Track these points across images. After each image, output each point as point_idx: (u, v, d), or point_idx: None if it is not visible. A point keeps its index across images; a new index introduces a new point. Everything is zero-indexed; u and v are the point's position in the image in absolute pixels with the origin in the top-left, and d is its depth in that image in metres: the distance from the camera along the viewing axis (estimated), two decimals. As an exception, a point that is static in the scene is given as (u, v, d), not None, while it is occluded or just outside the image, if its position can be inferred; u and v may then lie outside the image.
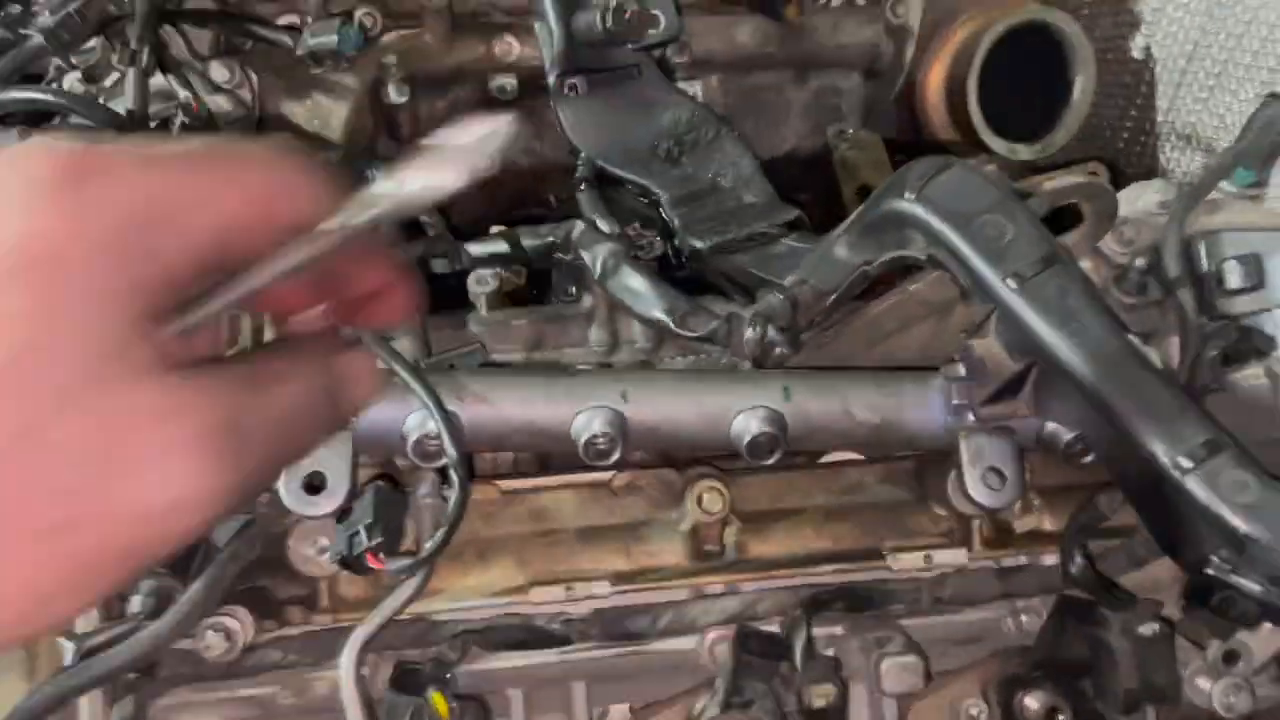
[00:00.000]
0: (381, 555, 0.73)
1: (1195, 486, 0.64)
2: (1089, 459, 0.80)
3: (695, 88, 1.18)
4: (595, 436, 0.74)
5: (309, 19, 1.09)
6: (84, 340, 0.36)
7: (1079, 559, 0.78)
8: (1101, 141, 1.37)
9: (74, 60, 1.01)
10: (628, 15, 0.99)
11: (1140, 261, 0.80)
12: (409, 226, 0.94)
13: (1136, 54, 1.38)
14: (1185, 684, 0.83)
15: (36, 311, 0.35)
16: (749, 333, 0.82)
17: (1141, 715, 0.84)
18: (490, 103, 1.14)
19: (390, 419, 0.73)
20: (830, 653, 0.84)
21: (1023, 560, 0.88)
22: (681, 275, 1.00)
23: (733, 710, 0.81)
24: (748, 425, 0.75)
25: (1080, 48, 1.29)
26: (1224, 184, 0.93)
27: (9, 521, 0.35)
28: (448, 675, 0.79)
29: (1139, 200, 0.93)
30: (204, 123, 1.01)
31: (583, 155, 0.98)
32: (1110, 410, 0.66)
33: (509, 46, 1.17)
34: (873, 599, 0.84)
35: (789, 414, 0.77)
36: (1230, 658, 0.82)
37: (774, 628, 0.83)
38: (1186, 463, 0.64)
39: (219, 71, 1.08)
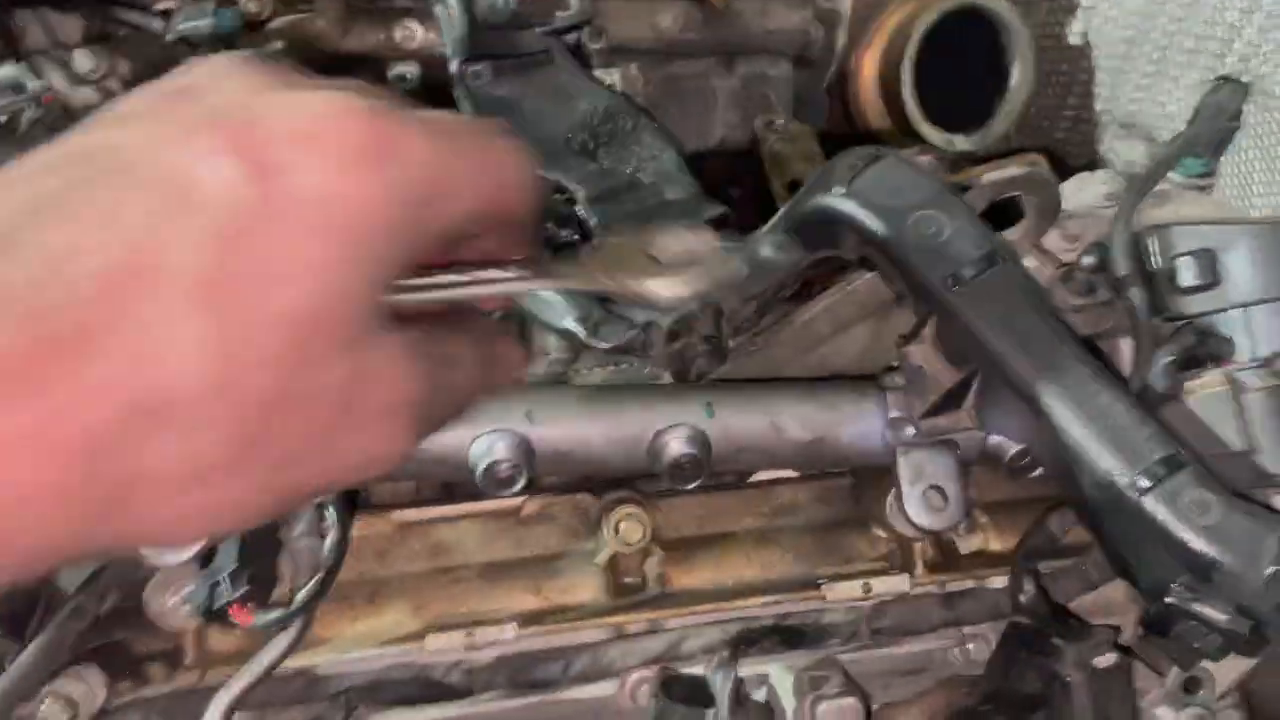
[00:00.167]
0: (250, 606, 0.64)
1: (1153, 508, 0.58)
2: (1035, 473, 0.73)
3: (613, 76, 1.10)
4: (496, 463, 0.66)
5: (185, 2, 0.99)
6: (364, 300, 0.40)
7: (1029, 587, 0.71)
8: (1040, 132, 1.32)
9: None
10: (535, -5, 0.91)
11: (1088, 259, 0.74)
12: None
13: (1075, 40, 1.32)
14: (1144, 715, 0.77)
15: (339, 268, 0.39)
16: (669, 343, 0.74)
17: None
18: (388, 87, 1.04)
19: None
20: (762, 694, 0.76)
21: (969, 584, 0.81)
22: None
23: (655, 764, 0.73)
24: (668, 446, 0.68)
25: (1017, 33, 1.23)
26: (1172, 174, 0.87)
27: (261, 448, 0.39)
28: (331, 738, 0.70)
29: (1083, 192, 0.87)
30: (58, 117, 0.91)
31: None
32: (1059, 425, 0.60)
33: (410, 31, 1.08)
34: (806, 634, 0.76)
35: (713, 433, 0.69)
36: (1191, 685, 0.76)
37: (700, 669, 0.75)
38: (1144, 482, 0.58)
39: (83, 61, 0.97)
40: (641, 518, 0.77)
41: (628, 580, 0.78)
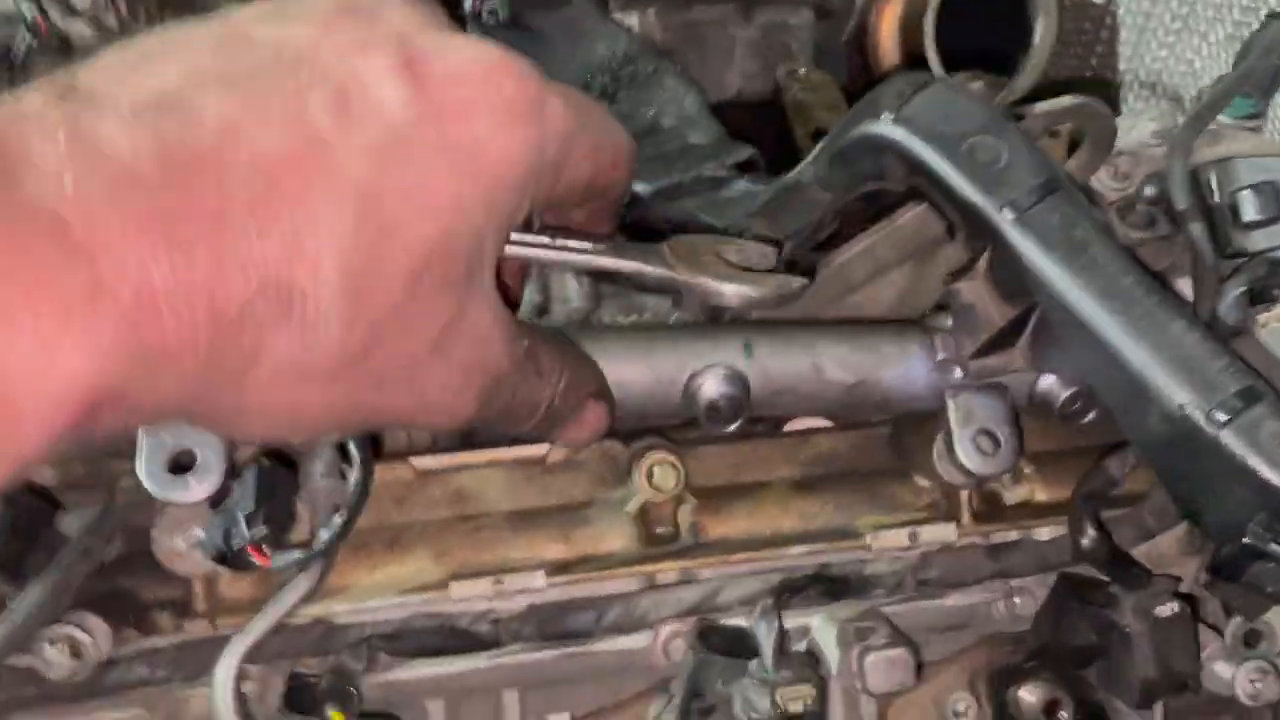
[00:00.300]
0: (266, 549, 0.60)
1: (1232, 442, 0.54)
2: (1089, 418, 0.70)
3: (631, 20, 1.06)
4: None
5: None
6: (486, 246, 0.44)
7: (1091, 530, 0.68)
8: (1062, 93, 1.29)
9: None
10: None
11: (1150, 189, 0.70)
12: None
13: (1097, -1, 1.30)
14: (1202, 672, 0.74)
15: (472, 210, 0.42)
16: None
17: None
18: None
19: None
20: (803, 647, 0.72)
21: (1014, 536, 0.77)
22: (621, 224, 0.88)
23: (694, 717, 0.69)
24: (704, 387, 0.64)
25: (1042, -12, 1.20)
26: (1220, 116, 0.84)
27: (363, 362, 0.41)
28: (351, 688, 0.66)
29: (1133, 131, 0.83)
30: (55, 49, 0.86)
31: None
32: (1128, 358, 0.57)
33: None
34: (850, 583, 0.73)
35: (751, 374, 0.66)
36: (1252, 638, 0.73)
37: (738, 620, 0.72)
38: (1221, 415, 0.54)
39: (80, -7, 0.93)
40: (675, 464, 0.73)
41: (660, 530, 0.74)
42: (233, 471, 0.62)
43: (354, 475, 0.61)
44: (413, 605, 0.69)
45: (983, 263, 0.66)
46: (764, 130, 1.10)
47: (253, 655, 0.63)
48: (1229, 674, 0.73)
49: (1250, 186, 0.71)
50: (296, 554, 0.60)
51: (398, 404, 0.45)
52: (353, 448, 0.63)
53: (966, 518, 0.76)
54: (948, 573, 0.74)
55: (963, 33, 1.21)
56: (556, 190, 0.47)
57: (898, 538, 0.74)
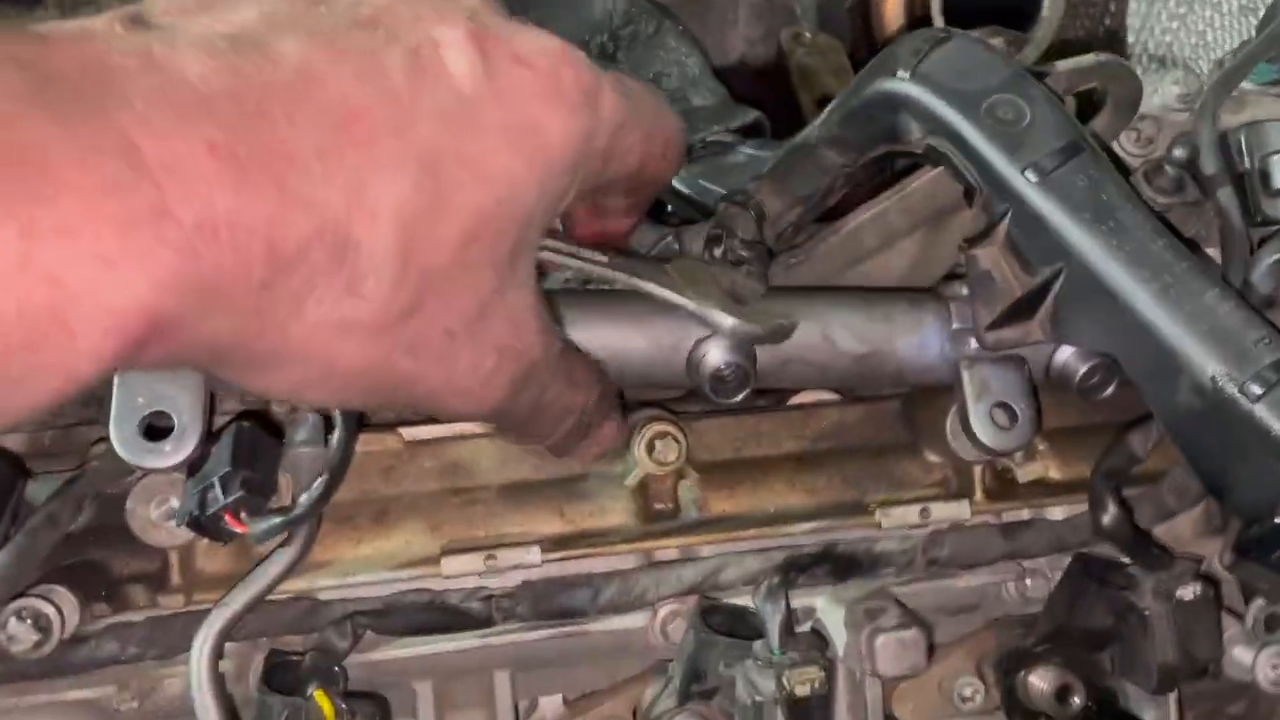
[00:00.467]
0: (244, 514, 0.56)
1: (1267, 416, 0.52)
2: (1107, 392, 0.67)
3: (632, -19, 1.02)
4: None
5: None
6: (533, 223, 0.45)
7: (1112, 508, 0.65)
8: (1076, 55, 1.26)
9: None
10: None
11: (1179, 152, 0.67)
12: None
13: (1106, -30, 1.27)
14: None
15: (525, 186, 0.43)
16: (707, 248, 0.67)
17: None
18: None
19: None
20: (807, 628, 0.69)
21: (1026, 514, 0.75)
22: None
23: (694, 701, 0.66)
24: (709, 356, 0.60)
25: (1051, -43, 1.16)
26: (1244, 82, 0.80)
27: (404, 324, 0.42)
28: (336, 668, 0.63)
29: (1155, 95, 0.80)
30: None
31: None
32: (1158, 327, 0.54)
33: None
34: (859, 562, 0.70)
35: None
36: (1272, 623, 0.70)
37: (741, 600, 0.69)
38: (1255, 388, 0.52)
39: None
40: (676, 437, 0.70)
41: (660, 505, 0.71)
42: (210, 436, 0.58)
43: (337, 435, 0.58)
44: (401, 581, 0.66)
45: (1002, 228, 0.62)
46: (767, 96, 1.07)
47: (231, 632, 0.60)
48: (1249, 659, 0.70)
49: (1276, 156, 0.68)
50: (276, 520, 0.57)
51: (428, 376, 0.44)
52: (336, 410, 0.60)
53: (979, 495, 0.74)
54: (959, 552, 0.71)
55: (969, 3, 1.18)
56: (603, 177, 0.49)
57: (908, 515, 0.71)
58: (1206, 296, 0.54)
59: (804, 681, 0.62)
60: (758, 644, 0.64)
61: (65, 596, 0.62)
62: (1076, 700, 0.72)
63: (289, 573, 0.60)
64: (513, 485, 0.70)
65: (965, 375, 0.64)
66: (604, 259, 0.55)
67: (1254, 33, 0.89)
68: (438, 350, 0.44)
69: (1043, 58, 1.15)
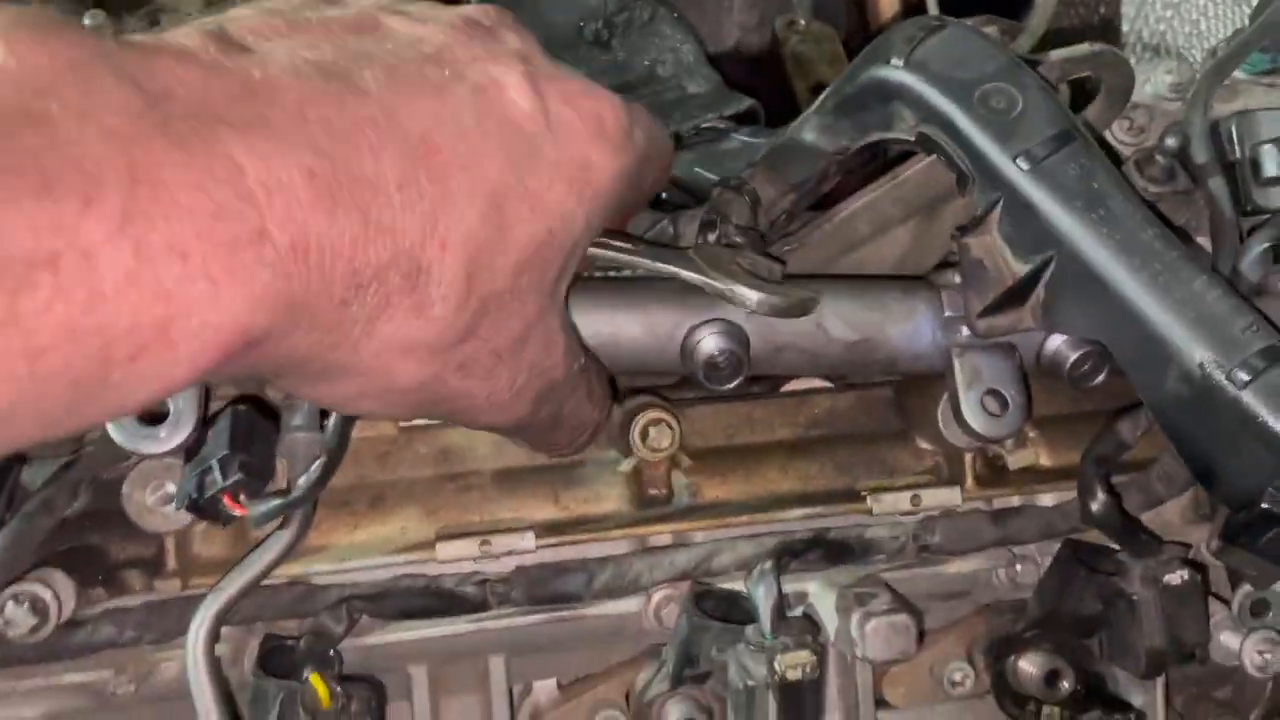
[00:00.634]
0: (242, 497, 0.57)
1: (1253, 402, 0.52)
2: (1097, 381, 0.67)
3: (624, -32, 1.02)
4: None
5: None
6: (576, 251, 0.48)
7: (1101, 494, 0.65)
8: (1069, 45, 1.26)
9: None
10: None
11: (1170, 141, 0.68)
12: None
13: (1099, -42, 1.27)
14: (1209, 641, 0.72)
15: (574, 218, 0.46)
16: (702, 233, 0.67)
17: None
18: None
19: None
20: (798, 613, 0.70)
21: (1016, 501, 0.75)
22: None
23: (686, 685, 0.67)
24: (702, 343, 0.60)
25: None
26: (1235, 72, 0.81)
27: (461, 346, 0.44)
28: (331, 651, 0.63)
29: (1147, 84, 0.80)
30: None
31: None
32: (1147, 314, 0.55)
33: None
34: (850, 548, 0.70)
35: (752, 330, 0.62)
36: (1259, 608, 0.71)
37: (734, 585, 0.69)
38: (1243, 375, 0.52)
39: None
40: (670, 424, 0.70)
41: (653, 491, 0.72)
42: (206, 421, 0.59)
43: (333, 420, 0.58)
44: (396, 566, 0.67)
45: (994, 216, 0.62)
46: (762, 83, 1.07)
47: (227, 616, 0.60)
48: (1236, 644, 0.71)
49: (1272, 141, 0.69)
50: (274, 502, 0.57)
51: (471, 393, 0.47)
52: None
53: (970, 482, 0.74)
54: (950, 538, 0.72)
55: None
56: (626, 205, 0.53)
57: (899, 501, 0.71)
58: (1195, 284, 0.54)
59: (795, 665, 0.62)
60: (749, 628, 0.64)
61: (62, 581, 0.62)
62: (1065, 685, 0.72)
63: (284, 557, 0.61)
64: (507, 471, 0.70)
65: (956, 363, 0.64)
66: (629, 245, 0.56)
67: (1247, 21, 0.89)
68: (484, 369, 0.46)
69: (1037, 46, 1.15)
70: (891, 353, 0.65)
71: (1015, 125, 0.58)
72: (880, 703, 0.77)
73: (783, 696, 0.62)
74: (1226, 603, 0.73)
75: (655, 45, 0.94)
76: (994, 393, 0.64)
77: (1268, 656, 0.70)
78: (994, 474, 0.76)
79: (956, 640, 0.78)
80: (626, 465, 0.71)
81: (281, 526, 0.61)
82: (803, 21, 1.07)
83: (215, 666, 0.59)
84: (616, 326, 0.60)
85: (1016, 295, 0.63)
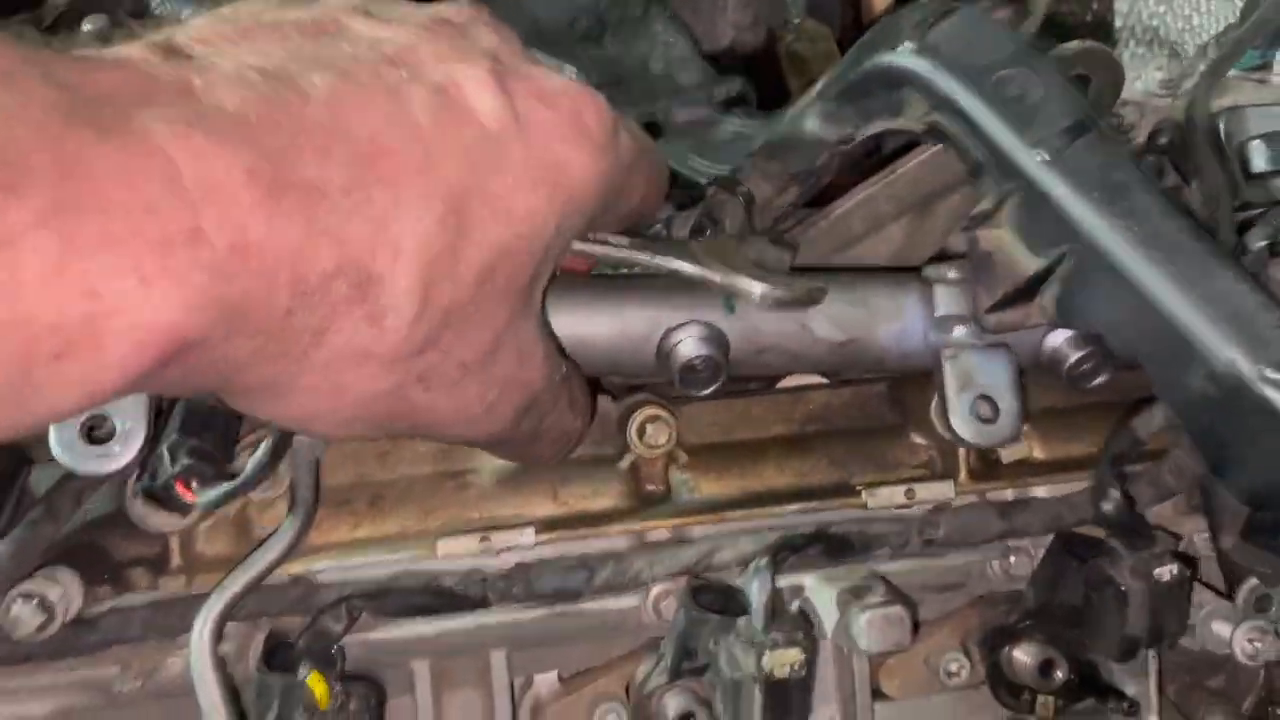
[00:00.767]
0: (194, 484, 0.57)
1: None
2: (1097, 381, 0.66)
3: (620, -34, 1.03)
4: None
5: None
6: (549, 258, 0.46)
7: (1114, 494, 0.66)
8: (1061, 38, 1.27)
9: None
10: None
11: (1164, 137, 0.68)
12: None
13: (1093, -47, 1.27)
14: (1199, 626, 0.73)
15: (546, 221, 0.44)
16: (694, 236, 0.67)
17: (1142, 657, 0.74)
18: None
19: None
20: (795, 608, 0.71)
21: (1010, 495, 0.76)
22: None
23: (685, 677, 0.67)
24: (680, 346, 0.59)
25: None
26: (1224, 67, 0.81)
27: (418, 357, 0.42)
28: (333, 649, 0.64)
29: (1137, 81, 0.81)
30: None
31: None
32: (1172, 309, 0.53)
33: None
34: (851, 544, 0.71)
35: (733, 332, 0.61)
36: (1263, 604, 0.71)
37: (732, 579, 0.70)
38: (1273, 374, 0.51)
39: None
40: (667, 420, 0.71)
41: (651, 487, 0.73)
42: (156, 435, 0.57)
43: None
44: (397, 564, 0.67)
45: (1008, 208, 0.60)
46: (757, 83, 1.08)
47: (230, 613, 0.61)
48: (1227, 633, 0.71)
49: (1261, 137, 0.69)
50: (222, 487, 0.57)
51: (437, 408, 0.45)
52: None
53: (964, 475, 0.75)
54: (955, 531, 0.72)
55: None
56: (610, 213, 0.50)
57: (894, 495, 0.72)
58: (1222, 279, 0.53)
59: (783, 664, 0.63)
60: (742, 620, 0.65)
61: (69, 579, 0.63)
62: (1059, 674, 0.73)
63: (286, 556, 0.62)
64: (506, 468, 0.71)
65: (947, 366, 0.62)
66: (626, 242, 0.54)
67: (1237, 16, 0.90)
68: (450, 381, 0.44)
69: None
70: (880, 353, 0.64)
71: (1033, 114, 0.56)
72: (877, 693, 0.78)
73: (768, 692, 0.63)
74: (1219, 592, 0.74)
75: (647, 41, 0.94)
76: (985, 398, 0.62)
77: (1258, 645, 0.70)
78: (987, 467, 0.76)
79: (952, 631, 0.79)
80: (624, 462, 0.72)
81: (282, 527, 0.62)
82: (797, 20, 1.08)
83: (219, 663, 0.60)
84: (589, 328, 0.58)
85: (1027, 290, 0.61)
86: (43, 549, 0.62)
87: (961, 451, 0.75)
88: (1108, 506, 0.66)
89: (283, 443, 0.62)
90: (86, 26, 0.71)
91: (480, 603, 0.67)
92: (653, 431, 0.71)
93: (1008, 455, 0.77)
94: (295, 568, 0.66)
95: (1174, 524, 0.76)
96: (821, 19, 1.16)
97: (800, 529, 0.71)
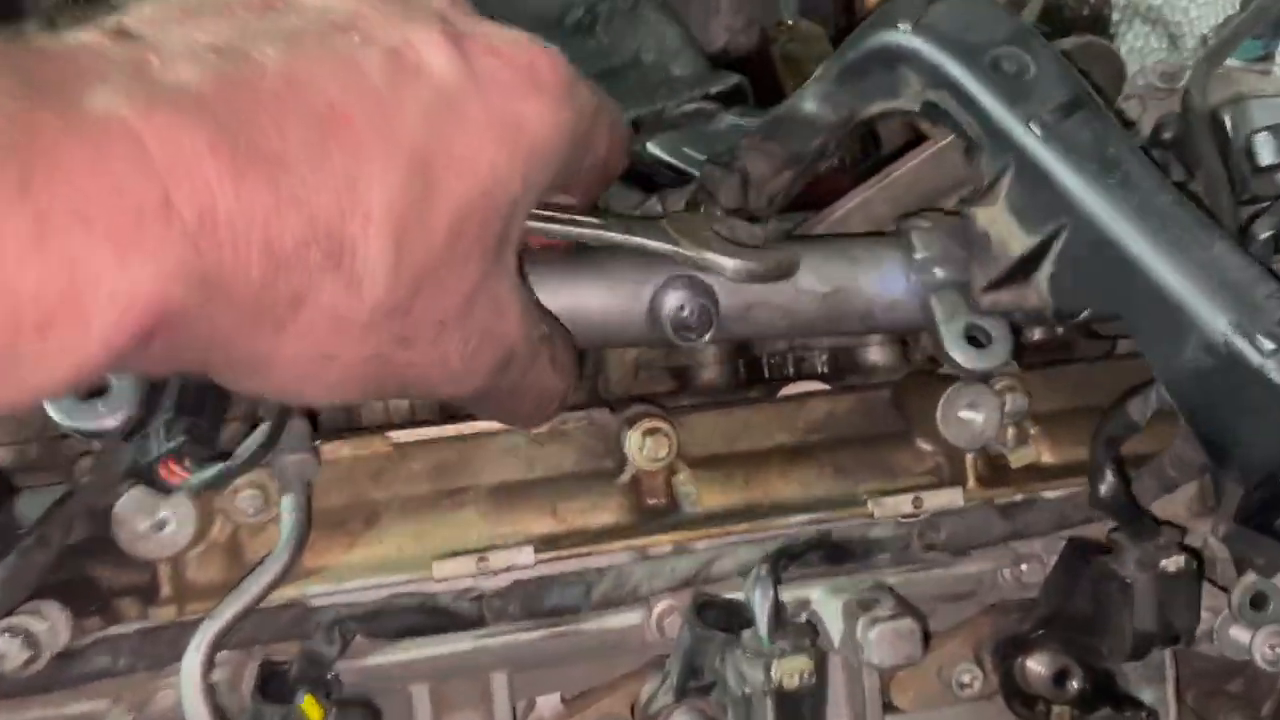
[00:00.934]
0: (187, 463, 0.55)
1: (1278, 371, 0.50)
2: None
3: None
4: None
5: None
6: (517, 212, 0.46)
7: (1110, 477, 0.64)
8: (1059, 28, 1.25)
9: None
10: None
11: (1169, 132, 0.67)
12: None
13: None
14: (1216, 633, 0.71)
15: (510, 175, 0.44)
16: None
17: (1159, 663, 0.72)
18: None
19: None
20: (803, 619, 0.69)
21: (1019, 500, 0.74)
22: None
23: (691, 696, 0.66)
24: (668, 301, 0.58)
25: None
26: (1229, 59, 0.80)
27: (396, 319, 0.43)
28: (330, 675, 0.62)
29: (1138, 76, 0.80)
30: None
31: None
32: (1167, 281, 0.53)
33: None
34: (853, 550, 0.69)
35: (721, 288, 0.59)
36: (1258, 601, 0.70)
37: (736, 594, 0.68)
38: (1268, 344, 0.51)
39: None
40: (667, 432, 0.69)
41: (652, 501, 0.71)
42: (151, 396, 0.56)
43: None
44: (393, 585, 0.66)
45: (1004, 184, 0.59)
46: (753, 86, 1.06)
47: (223, 641, 0.60)
48: (1246, 638, 0.70)
49: (1267, 129, 0.68)
50: (216, 467, 0.56)
51: (419, 364, 0.46)
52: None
53: (972, 482, 0.73)
54: (957, 535, 0.71)
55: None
56: (578, 165, 0.51)
57: (901, 504, 0.70)
58: (1215, 249, 0.53)
59: (792, 672, 0.61)
60: (746, 633, 0.63)
61: (56, 613, 0.61)
62: (1074, 684, 0.72)
63: (279, 581, 0.60)
64: (503, 485, 0.70)
65: (934, 298, 0.61)
66: (597, 221, 0.54)
67: (1238, 6, 0.88)
68: (429, 340, 0.45)
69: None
70: (866, 303, 0.63)
71: (1028, 90, 0.57)
72: (888, 706, 0.76)
73: (780, 704, 0.61)
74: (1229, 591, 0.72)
75: (639, 32, 0.93)
76: (976, 325, 0.61)
77: (1279, 650, 0.69)
78: (995, 473, 0.75)
79: (964, 642, 0.77)
80: (624, 476, 0.71)
81: (274, 551, 0.60)
82: (790, 21, 1.07)
83: (211, 693, 0.58)
84: (579, 298, 0.58)
85: (1023, 268, 0.60)
86: (35, 579, 0.61)
87: (969, 458, 0.73)
88: (1104, 489, 0.65)
89: (278, 426, 0.60)
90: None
91: (477, 621, 0.65)
92: (653, 444, 0.69)
93: (1016, 460, 0.75)
94: (289, 592, 0.64)
95: (1189, 526, 0.74)
96: (815, 18, 1.15)
97: (805, 538, 0.69)
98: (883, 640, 0.64)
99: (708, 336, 0.59)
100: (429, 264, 0.42)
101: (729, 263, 0.56)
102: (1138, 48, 1.28)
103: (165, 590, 0.64)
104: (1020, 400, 0.74)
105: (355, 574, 0.66)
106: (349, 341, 0.42)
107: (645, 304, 0.58)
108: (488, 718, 0.70)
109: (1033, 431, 0.76)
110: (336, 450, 0.68)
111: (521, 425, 0.65)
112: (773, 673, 0.62)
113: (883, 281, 0.62)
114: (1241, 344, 0.51)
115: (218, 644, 0.59)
